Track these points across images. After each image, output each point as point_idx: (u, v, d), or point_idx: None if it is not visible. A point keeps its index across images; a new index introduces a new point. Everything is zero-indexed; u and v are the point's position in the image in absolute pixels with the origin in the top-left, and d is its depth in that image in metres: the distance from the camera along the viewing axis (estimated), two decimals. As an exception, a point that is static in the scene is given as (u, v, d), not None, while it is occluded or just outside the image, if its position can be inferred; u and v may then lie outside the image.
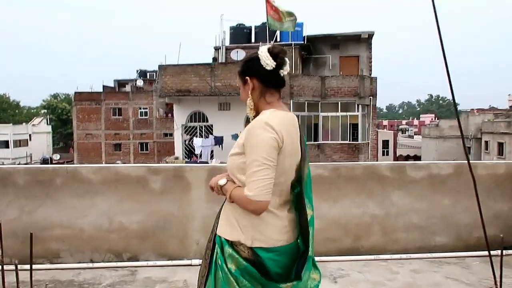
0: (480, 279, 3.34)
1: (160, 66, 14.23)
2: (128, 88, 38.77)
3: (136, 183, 3.79)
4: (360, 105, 17.50)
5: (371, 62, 20.21)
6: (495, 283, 2.89)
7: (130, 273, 3.54)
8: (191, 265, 3.70)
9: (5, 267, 3.56)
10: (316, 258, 3.77)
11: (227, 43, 19.07)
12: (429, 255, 3.92)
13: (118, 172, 3.81)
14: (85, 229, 3.75)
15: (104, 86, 38.33)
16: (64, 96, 66.80)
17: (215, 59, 16.94)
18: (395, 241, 3.99)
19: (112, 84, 41.80)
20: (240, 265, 1.54)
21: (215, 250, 1.63)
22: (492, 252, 2.99)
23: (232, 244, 1.58)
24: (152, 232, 3.80)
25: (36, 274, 3.52)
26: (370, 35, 19.86)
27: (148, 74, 42.40)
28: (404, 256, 3.89)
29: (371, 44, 20.39)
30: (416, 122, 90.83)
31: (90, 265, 3.68)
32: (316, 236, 3.86)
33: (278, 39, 19.20)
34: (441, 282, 3.35)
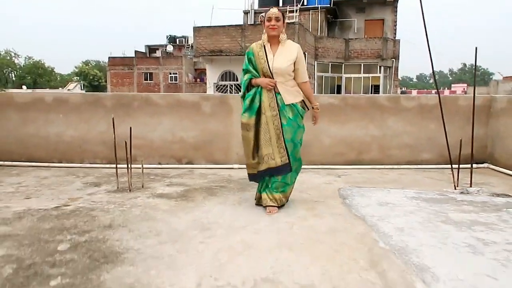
0: (449, 179, 4.43)
1: (194, 28, 15.26)
2: (158, 53, 40.01)
3: (192, 107, 5.02)
4: (382, 67, 18.13)
5: (396, 25, 20.52)
6: (453, 181, 4.00)
7: (189, 171, 4.84)
8: (232, 168, 4.97)
9: (103, 165, 4.94)
10: (326, 167, 5.01)
11: (255, 7, 19.81)
12: (416, 166, 5.03)
13: (179, 99, 5.05)
14: (155, 141, 5.05)
15: (136, 52, 39.71)
16: (94, 63, 69.09)
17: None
18: (389, 156, 5.10)
19: (143, 50, 43.13)
20: (298, 111, 3.08)
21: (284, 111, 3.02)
22: (462, 166, 4.12)
23: (297, 103, 3.08)
24: (203, 145, 5.06)
25: (121, 171, 4.88)
26: (396, -2, 20.10)
27: (177, 40, 43.43)
28: (395, 166, 5.03)
29: (396, 7, 20.63)
30: (446, 92, 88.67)
31: (159, 166, 5.01)
32: (327, 151, 5.10)
33: (305, 3, 19.76)
34: (419, 179, 4.47)
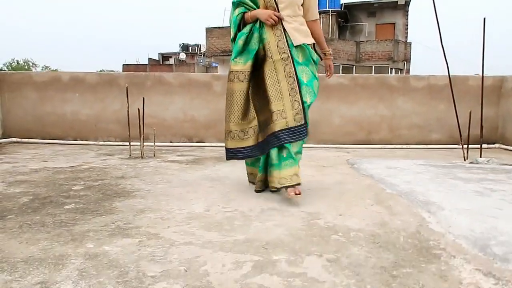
0: (458, 155, 4.41)
1: (207, 29, 15.57)
2: (171, 61, 40.58)
3: (203, 86, 5.12)
4: (393, 69, 18.11)
5: (407, 29, 20.54)
6: (463, 155, 3.99)
7: (199, 148, 4.92)
8: (242, 146, 5.02)
9: (117, 142, 5.03)
10: (336, 146, 5.01)
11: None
12: (425, 146, 5.02)
13: (190, 78, 5.16)
14: (167, 119, 5.15)
15: (149, 59, 40.35)
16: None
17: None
18: (399, 136, 5.11)
19: (157, 57, 43.82)
20: (311, 55, 2.34)
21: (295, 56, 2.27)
22: (472, 146, 4.13)
23: (308, 45, 2.32)
24: (214, 124, 5.14)
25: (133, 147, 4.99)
26: (407, 2, 20.16)
27: (190, 47, 44.03)
28: (405, 146, 5.02)
29: (407, 11, 20.68)
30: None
31: (170, 144, 5.10)
32: (336, 130, 5.11)
33: (316, 7, 19.91)
34: (427, 154, 4.47)
